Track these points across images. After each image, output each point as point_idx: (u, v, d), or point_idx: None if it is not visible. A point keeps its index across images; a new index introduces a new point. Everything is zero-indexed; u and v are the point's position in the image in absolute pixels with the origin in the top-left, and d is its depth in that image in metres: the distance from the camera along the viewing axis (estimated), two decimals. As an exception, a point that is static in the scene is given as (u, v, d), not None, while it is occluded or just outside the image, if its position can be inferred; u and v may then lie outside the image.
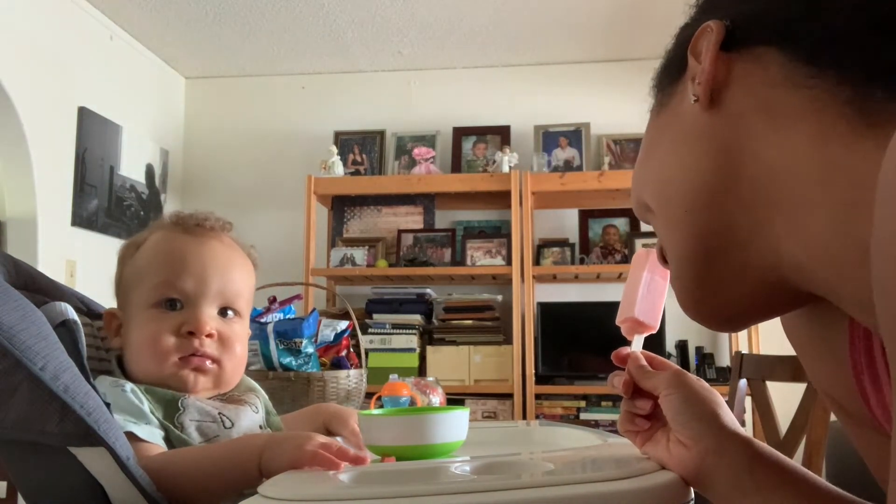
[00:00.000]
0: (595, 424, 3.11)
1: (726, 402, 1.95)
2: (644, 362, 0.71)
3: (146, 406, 0.80)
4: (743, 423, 2.78)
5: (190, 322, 0.85)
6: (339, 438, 0.92)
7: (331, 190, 3.51)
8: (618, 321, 0.75)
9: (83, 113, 3.11)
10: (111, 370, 0.88)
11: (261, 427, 0.90)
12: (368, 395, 1.40)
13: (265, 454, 0.72)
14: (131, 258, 0.90)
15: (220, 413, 0.85)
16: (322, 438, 0.72)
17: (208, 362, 0.86)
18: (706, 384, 0.68)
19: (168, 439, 0.80)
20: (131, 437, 0.75)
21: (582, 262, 3.48)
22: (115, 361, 0.89)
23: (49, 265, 2.88)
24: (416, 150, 3.58)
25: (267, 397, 0.96)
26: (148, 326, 0.85)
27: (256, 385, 0.96)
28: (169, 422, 0.81)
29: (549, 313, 3.38)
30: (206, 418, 0.84)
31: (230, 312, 0.90)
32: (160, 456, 0.76)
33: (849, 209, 0.43)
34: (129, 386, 0.81)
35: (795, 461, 1.67)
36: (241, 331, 0.92)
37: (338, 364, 1.46)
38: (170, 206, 3.76)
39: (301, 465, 0.69)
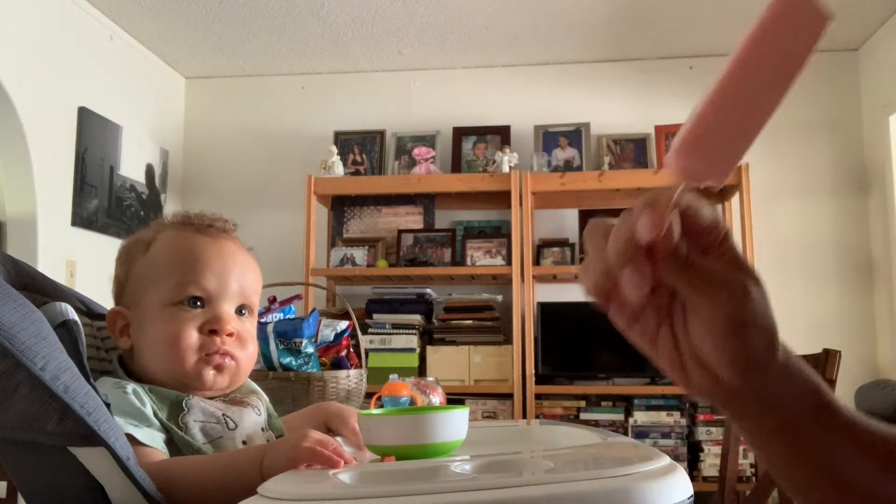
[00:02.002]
0: (595, 424, 3.11)
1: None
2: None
3: (148, 408, 0.80)
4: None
5: (213, 320, 0.86)
6: (339, 438, 0.92)
7: (331, 190, 3.51)
8: (665, 158, 0.46)
9: (83, 113, 3.11)
10: (111, 370, 0.88)
11: (262, 429, 0.90)
12: (368, 395, 1.40)
13: (266, 457, 0.72)
14: (142, 256, 0.89)
15: (223, 414, 0.85)
16: (318, 434, 0.72)
17: (227, 359, 0.87)
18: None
19: (171, 441, 0.80)
20: (131, 440, 0.75)
21: (582, 261, 3.47)
22: (116, 361, 0.89)
23: (49, 265, 2.88)
24: (416, 150, 3.58)
25: (268, 400, 0.96)
26: (170, 324, 0.85)
27: (258, 388, 0.97)
28: (173, 422, 0.81)
29: (549, 313, 3.38)
30: (210, 419, 0.84)
31: (245, 311, 0.91)
32: (162, 465, 0.76)
33: None
34: (130, 387, 0.81)
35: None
36: (253, 329, 0.93)
37: (338, 364, 1.46)
38: (170, 206, 3.76)
39: (299, 462, 0.69)
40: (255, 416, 0.89)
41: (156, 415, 0.81)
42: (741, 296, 0.44)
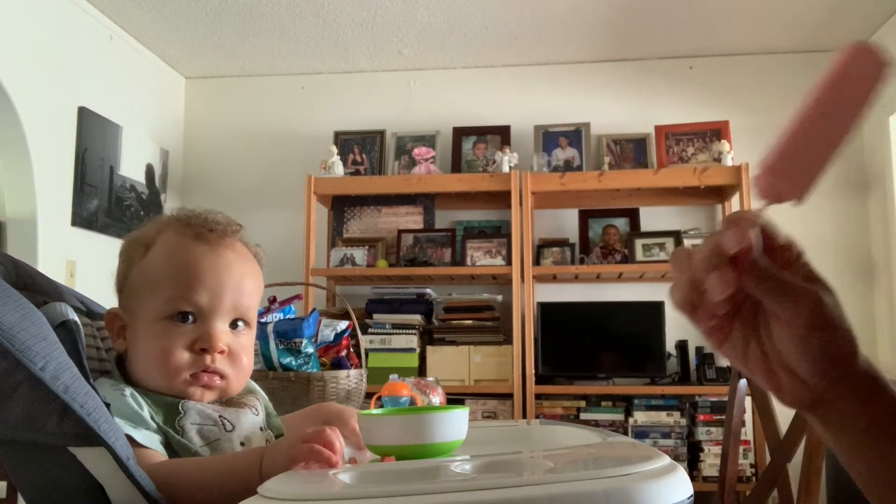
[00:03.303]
0: (595, 424, 3.11)
1: (726, 402, 1.95)
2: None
3: (146, 411, 0.80)
4: (743, 423, 2.79)
5: (203, 339, 0.84)
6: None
7: (331, 190, 3.51)
8: (753, 172, 0.51)
9: (83, 113, 3.11)
10: (109, 371, 0.88)
11: (261, 429, 0.90)
12: (368, 395, 1.40)
13: (265, 457, 0.72)
14: (140, 260, 0.87)
15: (220, 416, 0.85)
16: (315, 432, 0.71)
17: (217, 379, 0.86)
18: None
19: (168, 444, 0.80)
20: (130, 441, 0.75)
21: (582, 262, 3.48)
22: (113, 363, 0.89)
23: (49, 265, 2.88)
24: (416, 150, 3.58)
25: (267, 399, 0.96)
26: (159, 340, 0.83)
27: (257, 387, 0.96)
28: (169, 426, 0.81)
29: (549, 313, 3.38)
30: (207, 421, 0.83)
31: (241, 324, 0.89)
32: (162, 466, 0.76)
33: None
34: (128, 390, 0.81)
35: (795, 462, 1.63)
36: (248, 342, 0.91)
37: (338, 364, 1.46)
38: (170, 206, 3.76)
39: (298, 461, 0.69)
40: (252, 417, 0.88)
41: (152, 418, 0.80)
42: (816, 302, 0.48)
